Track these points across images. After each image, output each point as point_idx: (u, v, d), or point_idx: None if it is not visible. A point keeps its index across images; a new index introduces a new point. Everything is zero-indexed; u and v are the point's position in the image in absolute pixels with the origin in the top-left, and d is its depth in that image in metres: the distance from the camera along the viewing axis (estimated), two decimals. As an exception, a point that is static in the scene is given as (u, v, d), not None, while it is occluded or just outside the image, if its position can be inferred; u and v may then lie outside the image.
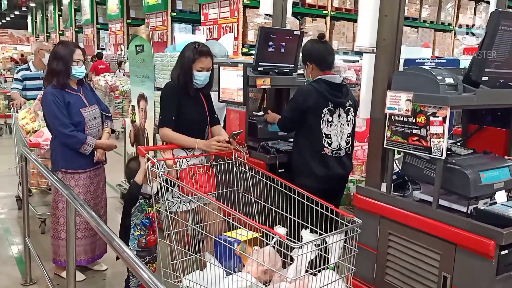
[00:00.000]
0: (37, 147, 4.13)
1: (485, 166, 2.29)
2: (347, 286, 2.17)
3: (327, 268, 2.10)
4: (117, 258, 2.92)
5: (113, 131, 3.54)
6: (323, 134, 2.95)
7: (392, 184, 2.50)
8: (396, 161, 2.62)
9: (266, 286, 2.21)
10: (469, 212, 2.22)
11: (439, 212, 2.26)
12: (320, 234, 2.15)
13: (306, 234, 2.14)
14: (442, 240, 2.22)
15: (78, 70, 3.21)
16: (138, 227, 2.68)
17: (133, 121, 4.79)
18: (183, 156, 2.87)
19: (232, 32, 7.92)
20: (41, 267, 3.21)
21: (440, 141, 2.17)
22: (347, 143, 3.06)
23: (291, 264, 2.18)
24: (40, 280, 3.39)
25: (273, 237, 2.07)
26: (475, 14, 12.21)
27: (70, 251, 2.47)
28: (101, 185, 3.50)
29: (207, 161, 3.03)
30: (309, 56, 3.04)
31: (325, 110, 2.94)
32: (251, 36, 8.52)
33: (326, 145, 2.96)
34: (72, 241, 2.46)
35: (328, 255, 2.11)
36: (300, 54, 3.19)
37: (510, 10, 2.54)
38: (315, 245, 2.01)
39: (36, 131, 4.34)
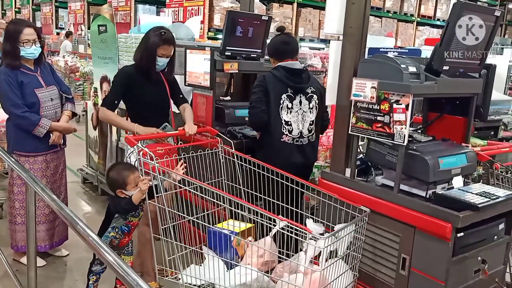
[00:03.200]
0: (-7, 129, 3.96)
1: (444, 153, 2.38)
2: (354, 274, 2.22)
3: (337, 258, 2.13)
4: None
5: (74, 114, 3.40)
6: (283, 121, 2.93)
7: (356, 170, 2.57)
8: (360, 147, 2.68)
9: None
10: (427, 196, 2.32)
11: (399, 196, 2.34)
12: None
13: (311, 224, 2.14)
14: (402, 223, 2.30)
15: (27, 51, 3.05)
16: (116, 230, 2.60)
17: (95, 104, 4.66)
18: (154, 135, 2.85)
19: (198, 15, 7.79)
20: (-1, 253, 3.12)
21: (402, 128, 2.24)
22: (309, 131, 3.03)
23: (291, 255, 2.21)
24: (-3, 266, 3.28)
25: (275, 226, 2.05)
26: (436, 6, 12.55)
27: (30, 236, 2.40)
28: (59, 169, 3.37)
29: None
30: (269, 51, 3.16)
31: (284, 96, 2.94)
32: (217, 20, 8.43)
33: (286, 132, 2.94)
34: (32, 225, 2.39)
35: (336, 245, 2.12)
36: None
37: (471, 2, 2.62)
38: (334, 236, 2.03)
39: (-9, 112, 4.15)
